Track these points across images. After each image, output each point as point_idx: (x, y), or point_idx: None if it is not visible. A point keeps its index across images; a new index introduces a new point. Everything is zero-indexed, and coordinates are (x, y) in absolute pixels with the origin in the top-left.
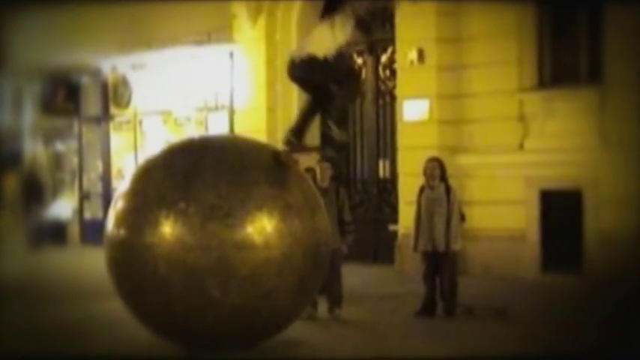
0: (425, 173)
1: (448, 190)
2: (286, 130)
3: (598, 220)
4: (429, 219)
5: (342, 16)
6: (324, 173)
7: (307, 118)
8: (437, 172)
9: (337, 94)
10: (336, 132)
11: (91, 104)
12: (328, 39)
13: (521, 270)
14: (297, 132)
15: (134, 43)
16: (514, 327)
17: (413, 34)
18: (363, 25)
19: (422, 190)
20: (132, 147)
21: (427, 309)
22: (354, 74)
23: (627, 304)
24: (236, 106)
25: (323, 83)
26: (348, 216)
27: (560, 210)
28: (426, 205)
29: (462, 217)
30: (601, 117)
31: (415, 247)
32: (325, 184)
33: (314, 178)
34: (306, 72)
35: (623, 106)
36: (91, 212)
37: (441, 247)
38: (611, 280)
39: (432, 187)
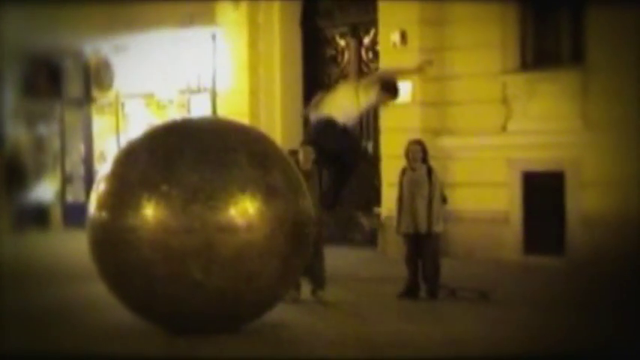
0: (407, 155)
1: (430, 172)
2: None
3: (580, 202)
4: (411, 201)
5: (369, 80)
6: (307, 156)
7: (338, 191)
8: (419, 154)
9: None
10: (365, 222)
11: (73, 87)
12: (351, 103)
13: (503, 252)
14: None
15: (116, 26)
16: (497, 309)
17: (395, 16)
18: (390, 89)
19: (403, 172)
20: (114, 130)
21: (410, 291)
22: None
23: (610, 285)
24: (218, 89)
25: (336, 152)
26: (328, 198)
27: (542, 192)
28: (408, 187)
29: (444, 199)
30: (583, 99)
31: (398, 230)
32: (308, 166)
33: (297, 161)
34: (322, 137)
35: (605, 89)
36: (74, 195)
37: (423, 229)
38: (593, 262)
39: (413, 169)
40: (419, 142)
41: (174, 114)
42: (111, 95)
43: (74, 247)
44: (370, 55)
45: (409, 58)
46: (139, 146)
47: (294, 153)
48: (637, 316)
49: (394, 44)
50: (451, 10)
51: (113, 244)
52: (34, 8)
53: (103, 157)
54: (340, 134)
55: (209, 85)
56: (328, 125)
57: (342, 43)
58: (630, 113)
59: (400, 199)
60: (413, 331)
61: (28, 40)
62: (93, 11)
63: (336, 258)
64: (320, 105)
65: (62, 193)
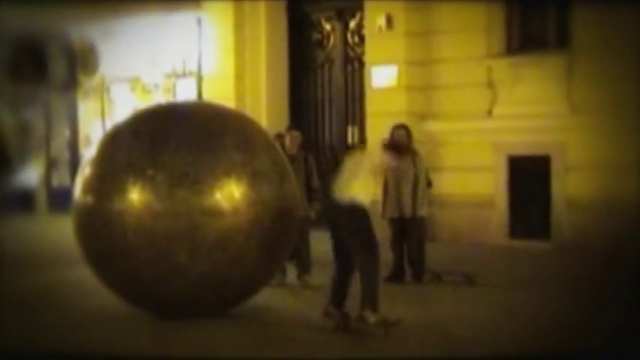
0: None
1: (414, 156)
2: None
3: (566, 186)
4: (397, 186)
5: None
6: (293, 141)
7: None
8: (406, 138)
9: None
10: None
11: (59, 71)
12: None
13: (489, 236)
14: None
15: (102, 10)
16: (482, 292)
17: (381, 0)
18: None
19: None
20: (99, 114)
21: (395, 275)
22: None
23: (595, 268)
24: (204, 73)
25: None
26: (316, 183)
27: (528, 176)
28: (393, 171)
29: (429, 183)
30: (568, 83)
31: (383, 214)
32: (294, 150)
33: (283, 145)
34: (340, 218)
35: (590, 73)
36: (59, 180)
37: (409, 213)
38: (578, 245)
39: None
40: (403, 127)
41: (160, 98)
42: (96, 79)
43: (59, 231)
44: (356, 39)
45: (395, 42)
46: (125, 130)
47: (280, 137)
48: (622, 298)
49: (380, 28)
50: None
51: (98, 229)
52: None
53: (88, 141)
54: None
55: (195, 69)
56: (350, 209)
57: (327, 27)
58: (615, 97)
59: (385, 184)
60: (398, 314)
61: (13, 23)
62: None
63: (322, 242)
64: (342, 184)
65: (47, 178)
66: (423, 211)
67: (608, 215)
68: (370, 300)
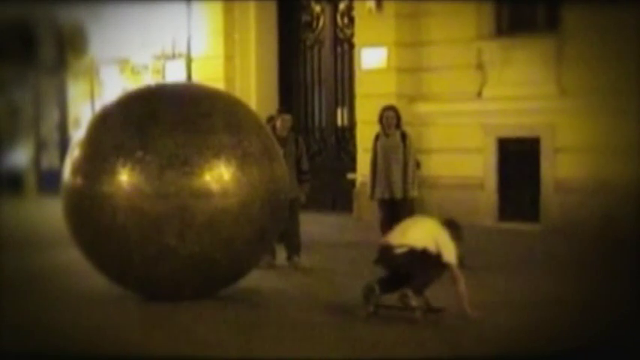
0: (381, 121)
1: (404, 137)
2: None
3: (555, 168)
4: (386, 167)
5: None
6: (284, 123)
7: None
8: (393, 120)
9: None
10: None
11: (48, 53)
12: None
13: (479, 217)
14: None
15: None
16: (471, 274)
17: None
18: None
19: (377, 138)
20: (89, 96)
21: None
22: None
23: (583, 250)
24: (193, 55)
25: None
26: (306, 165)
27: (517, 158)
28: (382, 152)
29: (418, 165)
30: (558, 65)
31: (372, 195)
32: (285, 133)
33: (273, 128)
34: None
35: (579, 55)
36: (48, 162)
37: (399, 195)
38: (567, 227)
39: (387, 135)
40: (393, 108)
41: (149, 80)
42: (86, 61)
43: (49, 213)
44: (345, 20)
45: (385, 24)
46: (114, 112)
47: (271, 119)
48: (611, 279)
49: (370, 10)
50: None
51: (88, 210)
52: None
53: (77, 123)
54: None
55: (184, 51)
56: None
57: (317, 8)
58: (604, 79)
59: (374, 165)
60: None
61: (1, 5)
62: None
63: (312, 224)
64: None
65: (37, 160)
66: (413, 192)
67: (597, 197)
68: (419, 285)
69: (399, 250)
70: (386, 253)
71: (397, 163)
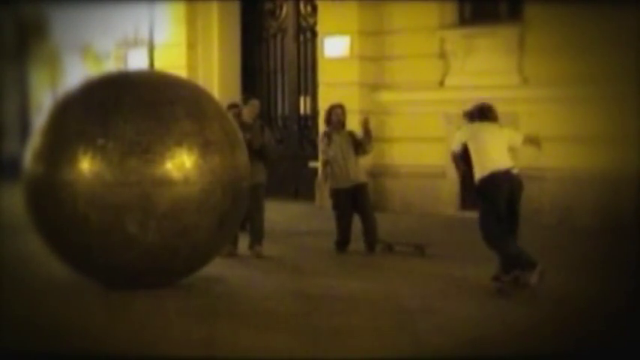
0: (330, 120)
1: (351, 132)
2: None
3: (516, 157)
4: (345, 158)
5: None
6: (252, 109)
7: None
8: (343, 117)
9: None
10: None
11: (9, 39)
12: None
13: (440, 206)
14: None
15: None
16: (432, 263)
17: None
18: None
19: (328, 136)
20: (50, 83)
21: (342, 244)
22: None
23: (542, 240)
24: (156, 42)
25: None
26: (272, 152)
27: None
28: (339, 146)
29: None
30: (520, 55)
31: (332, 187)
32: (251, 119)
33: (237, 115)
34: None
35: (542, 45)
36: (9, 149)
37: (362, 179)
38: (528, 216)
39: (339, 132)
40: (340, 106)
41: (111, 67)
42: (47, 47)
43: (9, 201)
44: (309, 8)
45: (347, 12)
46: (75, 99)
47: (233, 106)
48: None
49: None
50: None
51: (49, 198)
52: None
53: (39, 110)
54: None
55: (147, 38)
56: None
57: None
58: (567, 69)
59: (327, 162)
60: (350, 284)
61: None
62: None
63: (274, 212)
64: None
65: None
66: (365, 178)
67: (558, 186)
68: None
69: (515, 171)
70: (510, 175)
71: (351, 154)
